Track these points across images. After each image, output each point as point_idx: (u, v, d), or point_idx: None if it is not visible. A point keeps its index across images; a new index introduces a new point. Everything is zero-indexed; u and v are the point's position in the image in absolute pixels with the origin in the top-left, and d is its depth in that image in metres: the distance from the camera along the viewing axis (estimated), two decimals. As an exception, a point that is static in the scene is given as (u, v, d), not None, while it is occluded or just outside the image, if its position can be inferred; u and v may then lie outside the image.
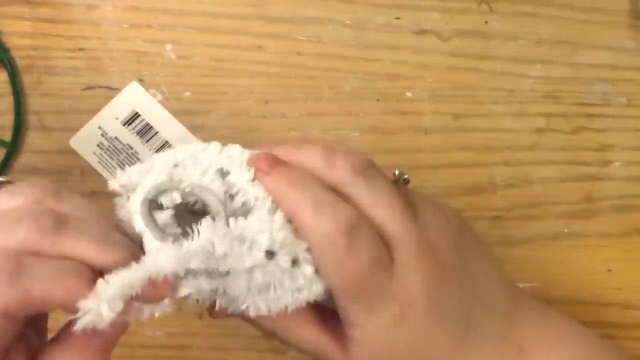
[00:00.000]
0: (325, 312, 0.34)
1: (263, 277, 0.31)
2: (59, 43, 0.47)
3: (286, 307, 0.32)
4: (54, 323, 0.31)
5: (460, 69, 0.48)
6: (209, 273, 0.31)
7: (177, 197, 0.32)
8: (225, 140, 0.47)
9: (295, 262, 0.31)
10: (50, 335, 0.31)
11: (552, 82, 0.48)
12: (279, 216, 0.31)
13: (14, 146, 0.47)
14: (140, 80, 0.47)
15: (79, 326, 0.27)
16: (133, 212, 0.32)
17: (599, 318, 0.48)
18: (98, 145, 0.47)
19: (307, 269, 0.31)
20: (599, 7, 0.48)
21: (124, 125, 0.47)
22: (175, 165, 0.33)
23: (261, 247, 0.30)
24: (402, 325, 0.32)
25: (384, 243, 0.32)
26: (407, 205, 0.33)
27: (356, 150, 0.47)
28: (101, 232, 0.30)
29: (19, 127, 0.47)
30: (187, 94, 0.47)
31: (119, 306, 0.27)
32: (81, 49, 0.47)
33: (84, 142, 0.47)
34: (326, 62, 0.47)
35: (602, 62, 0.48)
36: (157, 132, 0.47)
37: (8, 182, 0.32)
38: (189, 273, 0.30)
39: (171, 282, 0.29)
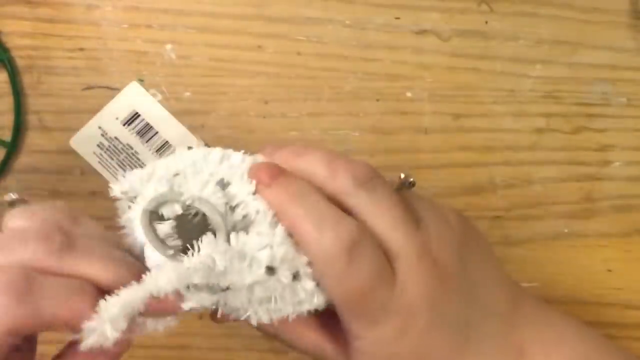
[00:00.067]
0: (327, 314, 0.34)
1: (264, 291, 0.31)
2: (59, 43, 0.47)
3: (288, 316, 0.32)
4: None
5: (460, 69, 0.48)
6: (210, 287, 0.31)
7: (177, 209, 0.32)
8: (225, 140, 0.47)
9: (296, 277, 0.31)
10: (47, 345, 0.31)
11: (552, 82, 0.48)
12: (280, 230, 0.31)
13: (14, 146, 0.47)
14: (140, 80, 0.47)
15: (84, 347, 0.27)
16: (134, 221, 0.32)
17: (599, 318, 0.48)
18: (98, 145, 0.47)
19: (308, 284, 0.31)
20: (599, 7, 0.48)
21: (124, 125, 0.47)
22: (176, 174, 0.33)
23: (261, 263, 0.30)
24: (403, 336, 0.32)
25: (386, 254, 0.32)
26: (409, 215, 0.33)
27: (356, 149, 0.47)
28: (108, 252, 0.30)
29: (19, 127, 0.47)
30: (187, 94, 0.47)
31: (123, 325, 0.28)
32: (81, 49, 0.47)
33: (84, 142, 0.47)
34: (326, 62, 0.47)
35: (602, 62, 0.48)
36: (157, 132, 0.47)
37: (23, 201, 0.32)
38: (191, 286, 0.30)
39: (172, 299, 0.29)
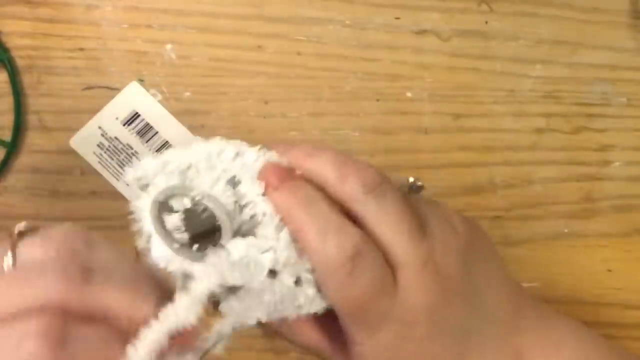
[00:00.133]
0: (328, 312, 0.34)
1: (265, 294, 0.31)
2: (59, 43, 0.47)
3: (287, 316, 0.32)
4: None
5: (460, 69, 0.48)
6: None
7: (187, 203, 0.32)
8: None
9: (297, 282, 0.32)
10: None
11: (552, 82, 0.48)
12: (284, 234, 0.31)
13: (14, 146, 0.47)
14: (140, 80, 0.47)
15: None
16: (143, 211, 0.33)
17: (599, 318, 0.48)
18: (98, 145, 0.47)
19: (309, 290, 0.32)
20: (599, 7, 0.48)
21: (124, 125, 0.47)
22: (189, 167, 0.33)
23: (264, 267, 0.31)
24: (404, 343, 0.32)
25: (389, 263, 0.32)
26: (416, 222, 0.33)
27: (356, 149, 0.47)
28: (130, 280, 0.30)
29: (19, 127, 0.47)
30: (187, 94, 0.47)
31: None
32: (81, 49, 0.47)
33: (84, 142, 0.47)
34: (326, 62, 0.47)
35: (602, 62, 0.48)
36: (157, 132, 0.47)
37: (34, 230, 0.31)
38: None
39: (193, 330, 0.29)
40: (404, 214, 0.32)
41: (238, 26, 0.47)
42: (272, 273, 0.31)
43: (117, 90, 0.47)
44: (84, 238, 0.31)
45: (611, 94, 0.48)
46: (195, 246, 0.33)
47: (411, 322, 0.32)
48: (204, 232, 0.33)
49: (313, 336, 0.35)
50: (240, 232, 0.33)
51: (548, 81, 0.48)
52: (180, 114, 0.47)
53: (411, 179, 0.35)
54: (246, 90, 0.47)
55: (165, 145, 0.47)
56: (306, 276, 0.32)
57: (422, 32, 0.48)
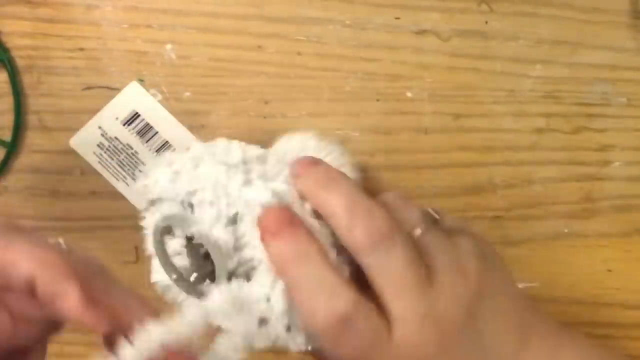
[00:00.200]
0: None
1: (254, 340, 0.32)
2: (59, 43, 0.47)
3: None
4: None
5: (460, 69, 0.48)
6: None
7: (187, 232, 0.32)
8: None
9: (288, 329, 0.32)
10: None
11: (552, 82, 0.48)
12: (280, 284, 0.31)
13: (14, 146, 0.47)
14: (140, 80, 0.47)
15: None
16: (148, 229, 0.33)
17: (599, 318, 0.48)
18: (98, 145, 0.47)
19: (299, 338, 0.32)
20: (599, 7, 0.48)
21: (124, 125, 0.47)
22: (195, 191, 0.33)
23: (255, 315, 0.31)
24: None
25: (386, 317, 0.32)
26: (421, 275, 0.32)
27: (356, 149, 0.47)
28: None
29: (19, 127, 0.47)
30: (187, 94, 0.47)
31: None
32: (81, 49, 0.47)
33: (84, 142, 0.47)
34: (326, 62, 0.47)
35: (602, 62, 0.48)
36: (157, 132, 0.47)
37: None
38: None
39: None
40: (409, 268, 0.32)
41: (238, 26, 0.47)
42: (264, 321, 0.31)
43: (117, 90, 0.47)
44: (102, 269, 0.32)
45: (611, 94, 0.48)
46: (194, 275, 0.33)
47: None
48: (206, 254, 0.33)
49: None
50: (237, 273, 0.32)
51: (548, 81, 0.48)
52: (180, 114, 0.47)
53: (430, 210, 0.35)
54: (246, 90, 0.47)
55: (165, 145, 0.47)
56: (297, 324, 0.32)
57: (422, 32, 0.48)
